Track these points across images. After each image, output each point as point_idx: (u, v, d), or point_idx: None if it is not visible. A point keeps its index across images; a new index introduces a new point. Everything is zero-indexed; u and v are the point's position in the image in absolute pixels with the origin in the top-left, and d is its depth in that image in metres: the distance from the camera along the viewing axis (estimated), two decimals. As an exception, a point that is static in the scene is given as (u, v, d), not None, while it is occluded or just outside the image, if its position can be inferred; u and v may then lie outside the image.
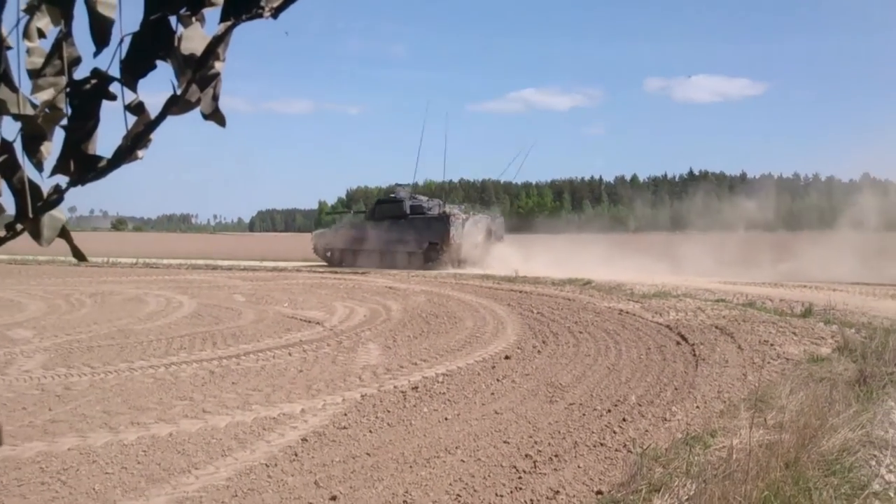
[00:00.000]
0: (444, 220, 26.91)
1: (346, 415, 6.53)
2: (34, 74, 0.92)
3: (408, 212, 27.91)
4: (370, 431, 6.02)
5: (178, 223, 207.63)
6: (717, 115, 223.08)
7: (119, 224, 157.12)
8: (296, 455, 5.42)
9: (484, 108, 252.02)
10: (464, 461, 5.27)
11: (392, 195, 29.75)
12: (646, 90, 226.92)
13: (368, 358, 9.23)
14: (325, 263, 29.98)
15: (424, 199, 29.52)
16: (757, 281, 19.90)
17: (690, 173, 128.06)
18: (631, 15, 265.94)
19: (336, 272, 24.94)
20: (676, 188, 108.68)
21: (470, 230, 27.23)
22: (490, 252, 27.91)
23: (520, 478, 4.92)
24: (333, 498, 4.58)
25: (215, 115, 0.94)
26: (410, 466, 5.16)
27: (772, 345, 9.19)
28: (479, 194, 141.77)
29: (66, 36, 0.91)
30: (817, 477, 4.21)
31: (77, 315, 13.28)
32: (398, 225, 27.72)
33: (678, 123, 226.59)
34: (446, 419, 6.38)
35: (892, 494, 4.22)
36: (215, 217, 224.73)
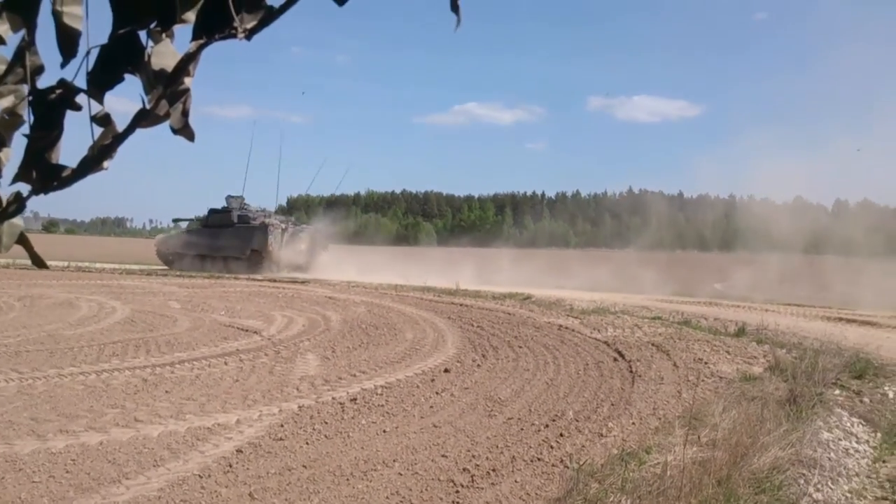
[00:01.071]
0: (264, 229, 29.03)
1: (282, 426, 6.45)
2: None
3: (235, 221, 30.07)
4: (307, 443, 5.97)
5: (113, 227, 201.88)
6: (656, 134, 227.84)
7: (50, 226, 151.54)
8: (230, 466, 5.33)
9: (429, 121, 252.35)
10: (401, 474, 5.26)
11: (224, 206, 31.54)
12: (588, 108, 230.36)
13: (307, 368, 9.14)
14: (165, 266, 31.16)
15: (253, 209, 31.48)
16: (692, 299, 20.41)
17: (630, 191, 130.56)
18: (573, 35, 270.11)
19: (275, 281, 24.66)
20: (616, 206, 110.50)
21: (290, 240, 29.59)
22: (315, 260, 30.33)
23: (457, 492, 4.93)
24: (269, 511, 4.52)
25: (185, 131, 0.94)
26: (347, 479, 5.13)
27: (706, 363, 9.43)
28: (421, 206, 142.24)
29: (29, 45, 0.90)
30: (748, 494, 4.33)
31: (4, 319, 12.81)
32: (226, 232, 29.79)
33: (619, 142, 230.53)
34: (384, 432, 6.36)
35: (816, 511, 4.37)
36: (151, 221, 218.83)
